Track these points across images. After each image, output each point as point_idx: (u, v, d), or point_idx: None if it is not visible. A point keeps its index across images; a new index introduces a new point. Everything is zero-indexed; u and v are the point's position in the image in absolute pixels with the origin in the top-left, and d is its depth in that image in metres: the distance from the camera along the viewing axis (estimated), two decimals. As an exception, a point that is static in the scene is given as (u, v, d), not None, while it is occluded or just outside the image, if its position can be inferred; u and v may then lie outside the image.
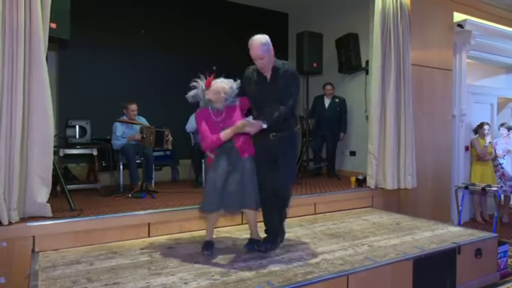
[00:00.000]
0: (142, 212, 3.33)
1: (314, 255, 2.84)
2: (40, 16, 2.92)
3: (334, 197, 4.38)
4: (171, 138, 4.51)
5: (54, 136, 3.29)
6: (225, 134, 2.69)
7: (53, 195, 3.54)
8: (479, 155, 5.67)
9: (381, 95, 4.57)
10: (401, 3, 4.62)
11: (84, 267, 2.57)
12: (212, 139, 2.71)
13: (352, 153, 6.07)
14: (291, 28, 7.24)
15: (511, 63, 6.68)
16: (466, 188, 5.05)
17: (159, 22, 6.04)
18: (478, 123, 5.84)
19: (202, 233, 3.43)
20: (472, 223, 5.64)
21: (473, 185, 5.09)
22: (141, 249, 2.97)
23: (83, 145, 4.58)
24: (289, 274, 2.45)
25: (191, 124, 5.04)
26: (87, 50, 5.45)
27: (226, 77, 2.84)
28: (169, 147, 4.54)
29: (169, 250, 2.94)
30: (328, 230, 3.54)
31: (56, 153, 4.07)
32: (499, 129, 6.13)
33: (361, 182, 4.75)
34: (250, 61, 2.83)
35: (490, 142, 5.71)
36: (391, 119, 4.55)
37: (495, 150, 5.86)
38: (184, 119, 5.11)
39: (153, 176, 4.67)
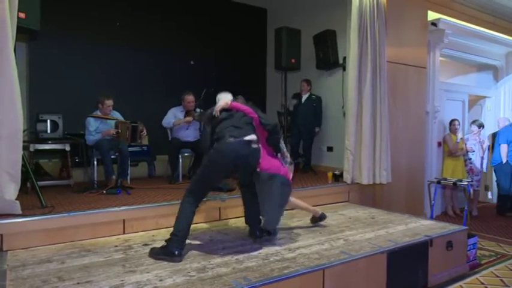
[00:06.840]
0: (117, 209, 3.25)
1: (291, 250, 2.86)
2: (7, 5, 2.79)
3: (311, 192, 4.42)
4: (145, 133, 4.42)
5: (24, 131, 3.17)
6: None
7: (23, 192, 3.43)
8: (451, 151, 5.84)
9: (358, 91, 4.63)
10: (377, 1, 4.68)
11: (55, 265, 2.49)
12: None
13: (330, 149, 6.13)
14: (269, 23, 7.21)
15: (482, 62, 6.90)
16: (439, 182, 5.19)
17: (136, 15, 5.91)
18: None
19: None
20: (443, 216, 5.81)
21: (445, 179, 5.25)
22: (116, 246, 2.91)
23: (55, 140, 4.43)
24: (265, 269, 2.45)
25: (167, 120, 4.96)
26: (59, 41, 5.26)
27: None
28: (144, 142, 4.44)
29: (145, 247, 2.89)
30: (305, 225, 3.57)
31: (26, 148, 3.93)
32: (470, 125, 6.32)
33: (338, 177, 4.80)
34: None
35: (461, 138, 5.89)
36: (367, 115, 4.62)
37: (466, 146, 6.06)
38: (160, 114, 5.01)
39: (129, 171, 4.57)
